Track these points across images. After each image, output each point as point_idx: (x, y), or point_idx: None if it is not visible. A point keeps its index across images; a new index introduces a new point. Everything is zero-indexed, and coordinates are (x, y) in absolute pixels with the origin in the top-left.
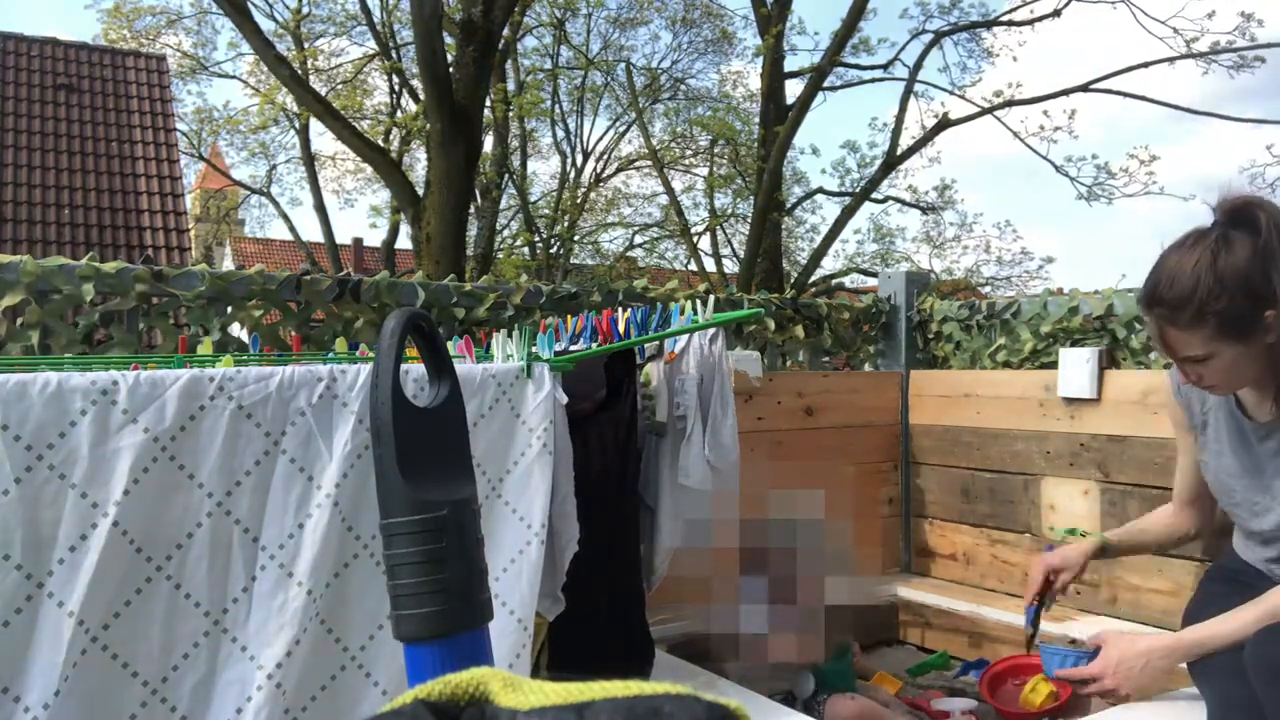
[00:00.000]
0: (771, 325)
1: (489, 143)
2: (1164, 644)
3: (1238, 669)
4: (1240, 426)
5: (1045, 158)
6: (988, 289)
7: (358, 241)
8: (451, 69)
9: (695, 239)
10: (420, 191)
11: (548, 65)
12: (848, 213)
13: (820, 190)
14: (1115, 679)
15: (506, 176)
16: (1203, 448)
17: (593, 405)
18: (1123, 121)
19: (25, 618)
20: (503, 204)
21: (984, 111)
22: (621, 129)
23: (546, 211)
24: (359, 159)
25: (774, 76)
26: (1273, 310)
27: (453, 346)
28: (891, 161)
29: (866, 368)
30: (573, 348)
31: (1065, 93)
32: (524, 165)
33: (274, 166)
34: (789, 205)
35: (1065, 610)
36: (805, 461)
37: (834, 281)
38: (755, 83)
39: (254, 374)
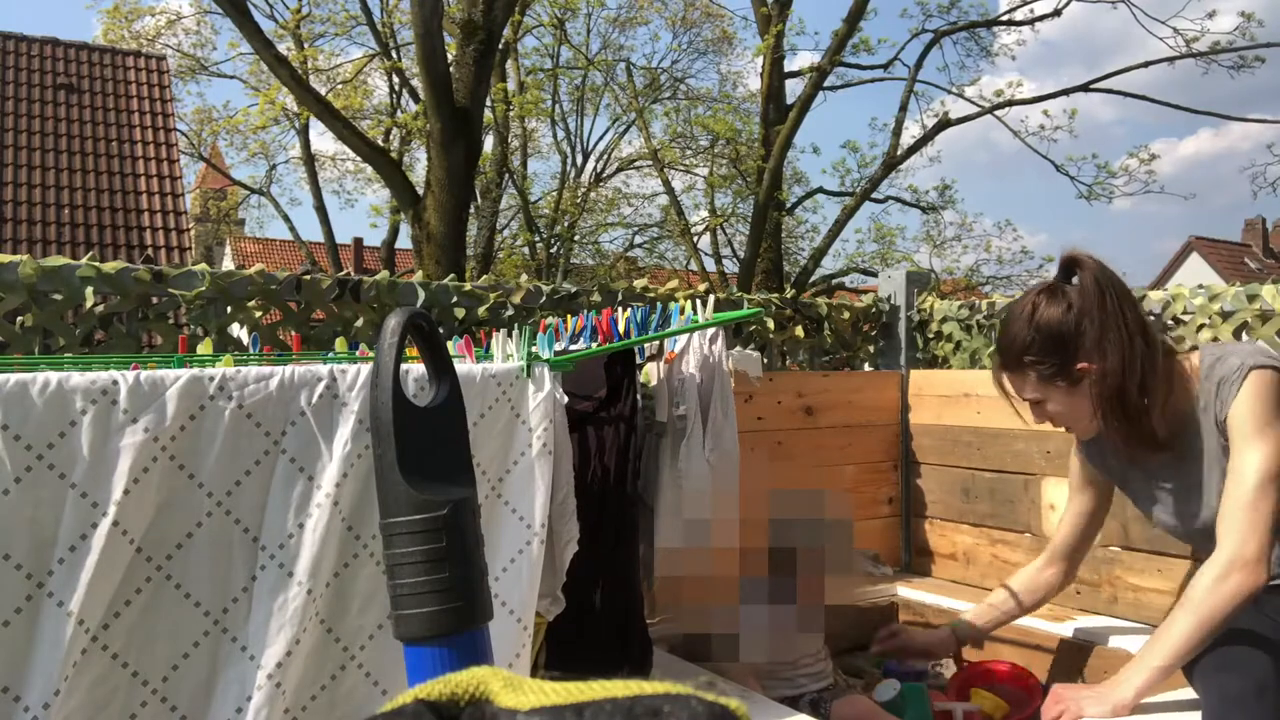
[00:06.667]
0: (771, 325)
1: (489, 143)
2: (1135, 686)
3: (1231, 665)
4: (1143, 467)
5: (1045, 157)
6: (988, 288)
7: (358, 241)
8: (451, 69)
9: (695, 239)
10: (420, 191)
11: (548, 65)
12: (848, 212)
13: (820, 190)
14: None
15: (506, 176)
16: (1135, 501)
17: (593, 405)
18: (1138, 120)
19: (25, 618)
20: (503, 204)
21: (984, 111)
22: (621, 129)
23: (546, 211)
24: (359, 159)
25: (774, 76)
26: (1084, 363)
27: (453, 346)
28: (892, 161)
29: (866, 367)
30: (573, 348)
31: (1065, 92)
32: (524, 165)
33: (274, 166)
34: (789, 205)
35: (1066, 610)
36: (805, 461)
37: (834, 281)
38: (755, 83)
39: (254, 374)
